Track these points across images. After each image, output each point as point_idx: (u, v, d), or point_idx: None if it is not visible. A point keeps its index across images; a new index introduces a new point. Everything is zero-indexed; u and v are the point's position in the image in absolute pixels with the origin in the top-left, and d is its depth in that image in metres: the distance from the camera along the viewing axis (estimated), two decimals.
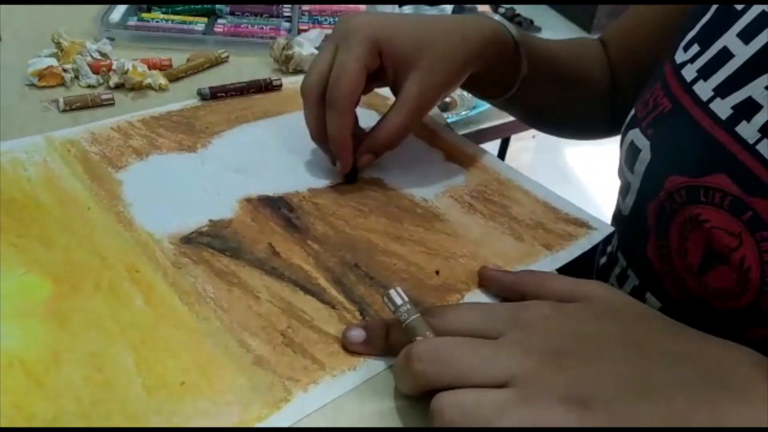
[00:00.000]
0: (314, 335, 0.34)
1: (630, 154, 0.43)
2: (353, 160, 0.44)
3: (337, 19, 0.71)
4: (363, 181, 0.46)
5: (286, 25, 0.68)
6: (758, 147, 0.34)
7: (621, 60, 0.56)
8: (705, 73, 0.38)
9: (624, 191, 0.44)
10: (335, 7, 0.72)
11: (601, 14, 1.18)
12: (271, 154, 0.48)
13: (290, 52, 0.57)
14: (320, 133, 0.44)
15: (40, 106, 0.51)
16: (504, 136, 1.46)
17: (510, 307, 0.31)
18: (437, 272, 0.38)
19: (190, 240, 0.39)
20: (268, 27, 0.67)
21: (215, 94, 0.53)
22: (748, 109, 0.34)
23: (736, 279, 0.35)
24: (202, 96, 0.53)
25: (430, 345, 0.29)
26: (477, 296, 0.37)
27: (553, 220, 0.43)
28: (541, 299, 0.32)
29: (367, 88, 0.45)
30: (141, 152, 0.46)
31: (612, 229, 0.43)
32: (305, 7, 0.72)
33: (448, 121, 0.52)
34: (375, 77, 0.44)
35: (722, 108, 0.36)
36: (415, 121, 0.43)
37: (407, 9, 1.04)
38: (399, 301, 0.31)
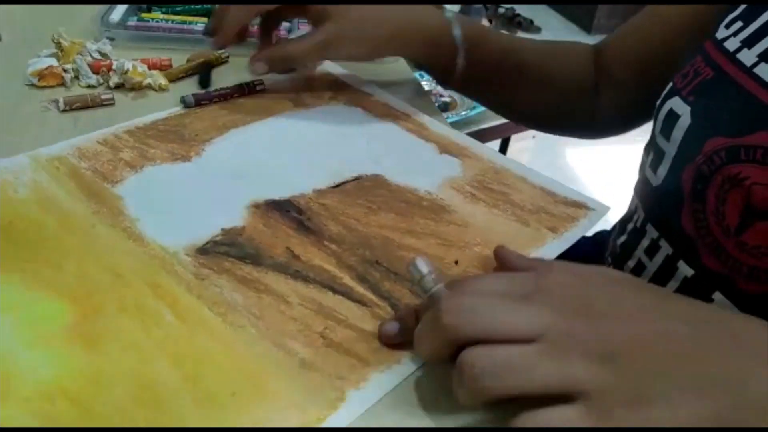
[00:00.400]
0: (353, 333, 0.34)
1: (667, 123, 0.44)
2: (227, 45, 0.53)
3: None
4: (364, 179, 0.46)
5: (286, 24, 0.67)
6: None
7: (627, 60, 0.57)
8: (749, 42, 0.39)
9: (656, 162, 0.45)
10: None
11: (601, 14, 1.21)
12: (268, 158, 0.48)
13: None
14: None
15: (40, 106, 0.51)
16: (504, 136, 1.48)
17: (532, 275, 0.32)
18: (456, 262, 0.39)
19: (206, 250, 0.39)
20: None
21: (199, 101, 0.52)
22: None
23: None
24: (186, 104, 0.52)
25: (459, 299, 0.29)
26: None
27: (553, 203, 0.45)
28: None
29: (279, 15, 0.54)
30: (134, 165, 0.45)
31: (609, 207, 0.45)
32: None
33: (448, 121, 0.54)
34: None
35: (767, 71, 0.37)
36: (314, 54, 0.51)
37: None
38: (425, 270, 0.31)
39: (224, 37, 0.51)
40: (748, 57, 0.39)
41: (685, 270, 0.42)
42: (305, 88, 0.57)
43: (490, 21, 2.04)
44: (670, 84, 0.46)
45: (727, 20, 0.43)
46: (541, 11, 1.29)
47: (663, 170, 0.44)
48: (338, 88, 0.57)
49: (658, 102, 0.46)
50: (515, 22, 1.23)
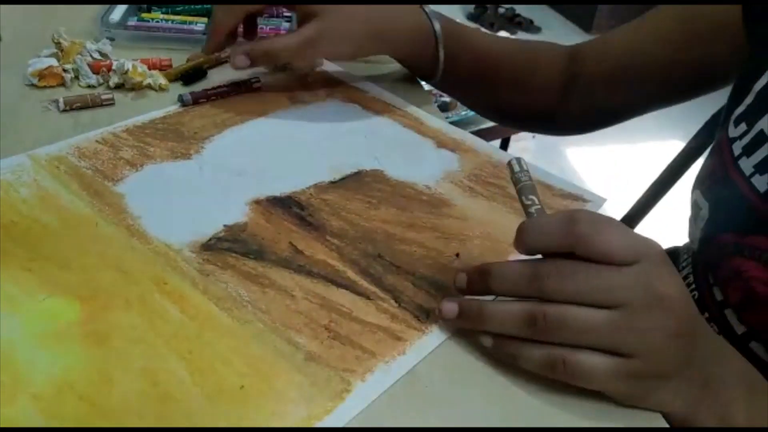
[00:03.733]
0: (357, 326, 0.35)
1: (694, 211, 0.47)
2: (220, 50, 0.53)
3: None
4: (363, 174, 0.47)
5: (286, 25, 0.67)
6: None
7: (602, 62, 0.58)
8: (748, 151, 0.42)
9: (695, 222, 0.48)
10: None
11: (601, 14, 1.21)
12: (267, 155, 0.48)
13: None
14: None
15: (40, 106, 0.51)
16: (504, 136, 1.50)
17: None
18: (457, 255, 0.40)
19: (210, 247, 0.39)
20: (268, 27, 0.67)
21: (197, 100, 0.52)
22: None
23: None
24: (184, 102, 0.52)
25: (558, 266, 0.31)
26: None
27: (550, 196, 0.46)
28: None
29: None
30: (135, 163, 0.45)
31: (605, 199, 0.46)
32: None
33: (448, 121, 0.54)
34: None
35: (761, 183, 0.40)
36: (298, 50, 0.50)
37: None
38: (517, 168, 0.36)
39: (213, 41, 0.52)
40: (747, 166, 0.42)
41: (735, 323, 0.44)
42: (301, 86, 0.57)
43: (492, 24, 2.03)
44: (700, 171, 0.48)
45: (735, 115, 0.44)
46: (541, 11, 1.30)
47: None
48: (334, 85, 0.58)
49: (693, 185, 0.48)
50: (515, 22, 1.24)
